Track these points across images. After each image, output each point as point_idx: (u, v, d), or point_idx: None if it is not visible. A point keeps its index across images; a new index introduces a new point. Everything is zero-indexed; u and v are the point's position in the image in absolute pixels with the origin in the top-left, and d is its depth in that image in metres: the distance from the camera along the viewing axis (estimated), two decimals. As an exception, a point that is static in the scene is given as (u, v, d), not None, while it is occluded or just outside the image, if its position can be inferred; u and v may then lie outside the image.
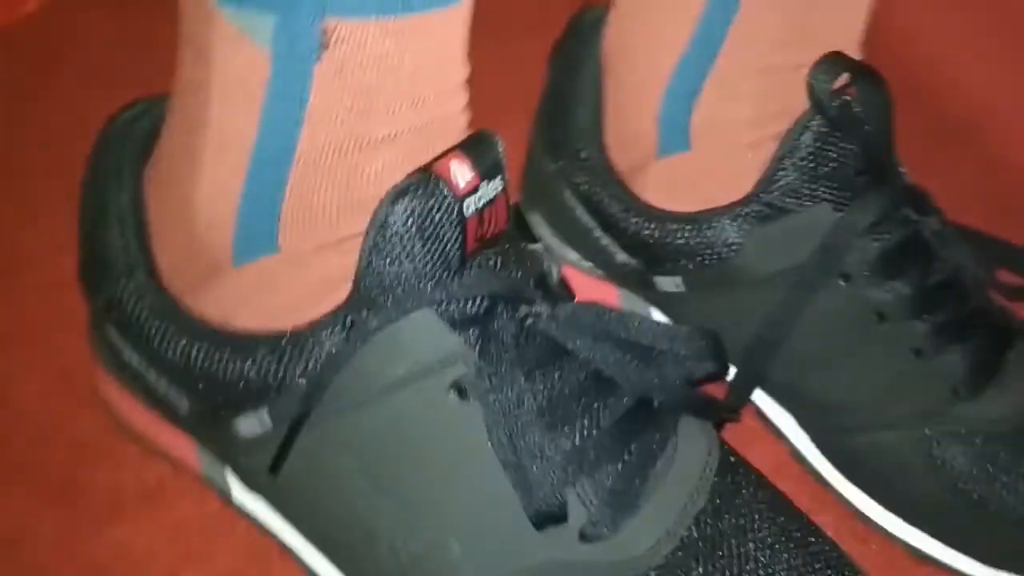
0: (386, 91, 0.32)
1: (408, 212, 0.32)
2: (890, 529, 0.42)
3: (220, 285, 0.37)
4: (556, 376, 0.34)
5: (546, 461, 0.33)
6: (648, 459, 0.34)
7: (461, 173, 0.33)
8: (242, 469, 0.38)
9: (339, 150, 0.33)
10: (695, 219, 0.42)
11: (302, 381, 0.34)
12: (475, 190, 0.33)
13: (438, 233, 0.33)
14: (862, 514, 0.43)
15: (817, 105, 0.38)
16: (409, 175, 0.33)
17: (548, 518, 0.33)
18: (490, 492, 0.33)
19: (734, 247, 0.41)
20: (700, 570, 0.33)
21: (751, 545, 0.34)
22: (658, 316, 0.46)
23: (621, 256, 0.45)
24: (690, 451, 0.35)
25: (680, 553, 0.33)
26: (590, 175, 0.45)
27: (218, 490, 0.41)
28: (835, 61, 0.37)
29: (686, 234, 0.42)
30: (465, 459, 0.34)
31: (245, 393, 0.36)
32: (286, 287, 0.36)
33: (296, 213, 0.34)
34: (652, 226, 0.43)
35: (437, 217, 0.33)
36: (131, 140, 0.40)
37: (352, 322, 0.34)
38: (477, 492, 0.34)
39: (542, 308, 0.34)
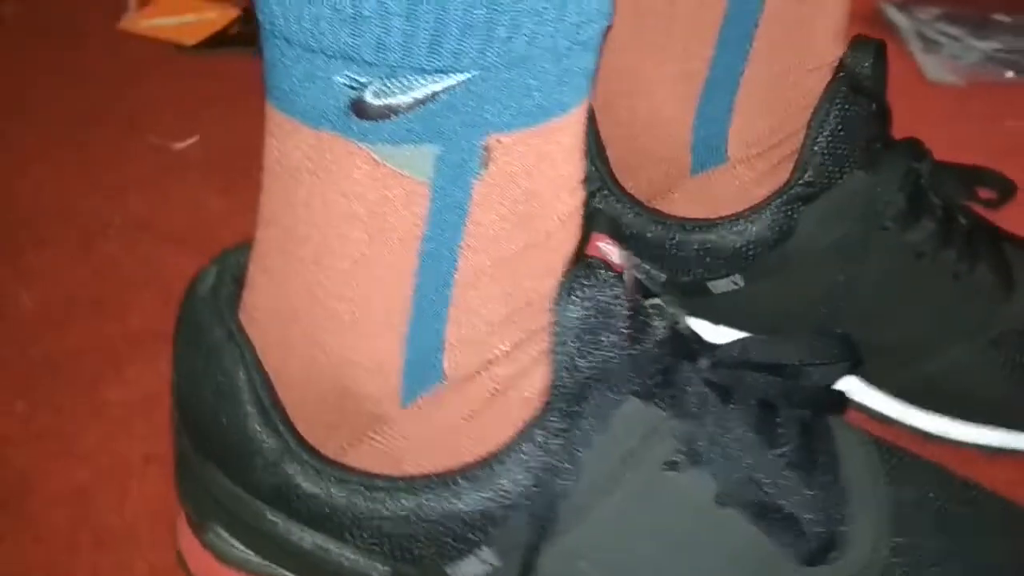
0: (540, 193, 0.32)
1: (587, 303, 0.33)
2: (965, 438, 0.48)
3: (388, 432, 0.35)
4: (744, 418, 0.35)
5: (802, 498, 0.34)
6: (831, 466, 0.36)
7: (611, 252, 0.34)
8: None
9: (499, 262, 0.33)
10: (746, 217, 0.46)
11: (522, 504, 0.33)
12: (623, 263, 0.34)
13: (616, 316, 0.33)
14: (941, 437, 0.49)
15: (852, 80, 0.44)
16: (571, 269, 0.33)
17: (823, 554, 0.34)
18: (729, 552, 0.34)
19: (787, 231, 0.46)
20: (913, 548, 0.36)
21: (944, 523, 0.37)
22: (696, 323, 0.49)
23: (658, 276, 0.48)
24: (848, 446, 0.37)
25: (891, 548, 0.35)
26: (617, 208, 0.48)
27: None
28: (865, 41, 0.43)
29: (741, 232, 0.46)
30: (699, 527, 0.34)
31: (458, 538, 0.34)
32: (458, 413, 0.34)
33: (461, 332, 0.33)
34: (700, 236, 0.47)
35: (611, 301, 0.33)
36: (225, 308, 0.36)
37: (559, 430, 0.33)
38: (717, 554, 0.34)
39: (701, 359, 0.36)
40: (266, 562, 0.38)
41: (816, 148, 0.45)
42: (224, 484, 0.36)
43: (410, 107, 0.29)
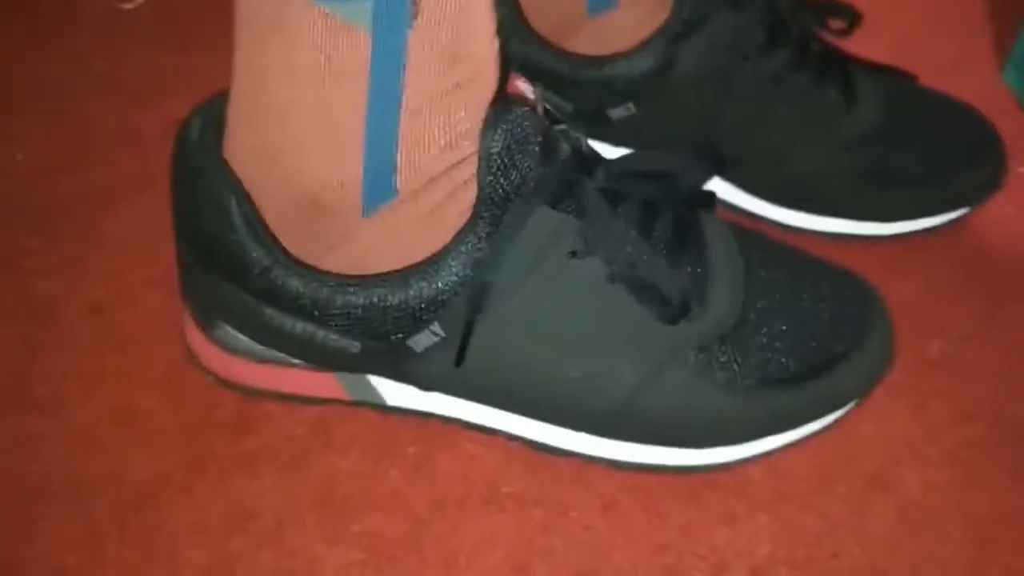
0: (462, 41, 0.40)
1: (507, 133, 0.42)
2: (819, 228, 0.60)
3: (353, 240, 0.44)
4: (629, 215, 0.45)
5: (666, 275, 0.44)
6: (700, 249, 0.47)
7: (527, 89, 0.43)
8: (418, 375, 0.46)
9: (435, 97, 0.41)
10: (635, 53, 0.55)
11: (459, 290, 0.43)
12: (537, 99, 0.43)
13: (530, 143, 0.42)
14: (799, 229, 0.60)
15: None
16: (494, 103, 0.42)
17: (681, 316, 0.45)
18: (615, 316, 0.45)
19: (669, 64, 0.55)
20: (764, 306, 0.47)
21: (789, 284, 0.48)
22: (598, 145, 0.59)
23: (565, 107, 0.58)
24: (713, 234, 0.48)
25: (748, 304, 0.47)
26: (528, 49, 0.56)
27: (372, 405, 0.49)
28: None
29: (631, 65, 0.55)
30: (594, 300, 0.44)
31: (413, 319, 0.44)
32: (408, 222, 0.43)
33: (408, 157, 0.42)
34: (601, 70, 0.56)
35: (528, 131, 0.42)
36: (212, 149, 0.45)
37: (486, 233, 0.43)
38: (609, 319, 0.45)
39: (598, 171, 0.45)
40: (264, 347, 0.48)
41: (688, -8, 0.54)
42: (226, 288, 0.46)
43: None
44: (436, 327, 0.44)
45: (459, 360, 0.44)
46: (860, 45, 0.61)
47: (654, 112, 0.57)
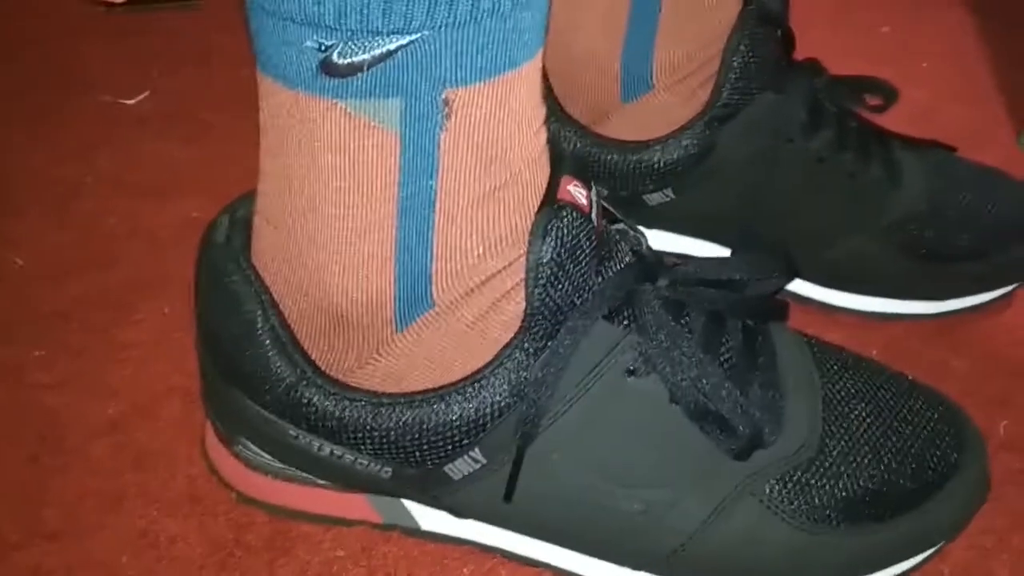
0: (503, 139, 0.37)
1: (557, 240, 0.38)
2: (865, 308, 0.57)
3: (387, 355, 0.40)
4: (693, 327, 0.41)
5: (735, 404, 0.39)
6: (772, 366, 0.42)
7: (579, 193, 0.39)
8: (454, 503, 0.42)
9: (472, 202, 0.37)
10: (675, 137, 0.53)
11: (504, 412, 0.39)
12: (591, 203, 0.40)
13: (583, 249, 0.39)
14: (844, 309, 0.57)
15: (760, 8, 0.51)
16: (542, 208, 0.38)
17: (750, 451, 0.40)
18: (679, 443, 0.40)
19: (709, 147, 0.53)
20: (844, 430, 0.42)
21: (872, 406, 0.43)
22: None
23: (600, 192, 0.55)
24: (785, 348, 0.43)
25: (825, 431, 0.42)
26: (562, 133, 0.54)
27: (403, 529, 0.45)
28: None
29: (670, 151, 0.53)
30: (654, 424, 0.40)
31: (451, 443, 0.40)
32: (446, 336, 0.39)
33: (445, 265, 0.38)
34: (637, 155, 0.53)
35: (582, 237, 0.38)
36: (240, 254, 0.42)
37: (535, 348, 0.38)
38: (671, 446, 0.40)
39: (660, 279, 0.41)
40: (288, 467, 0.44)
41: (730, 73, 0.52)
42: (249, 405, 0.42)
43: (371, 64, 0.34)
44: (476, 452, 0.40)
45: (509, 494, 0.40)
46: (879, 118, 0.60)
47: (694, 197, 0.54)
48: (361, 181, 0.37)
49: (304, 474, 0.44)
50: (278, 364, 0.41)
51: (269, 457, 0.44)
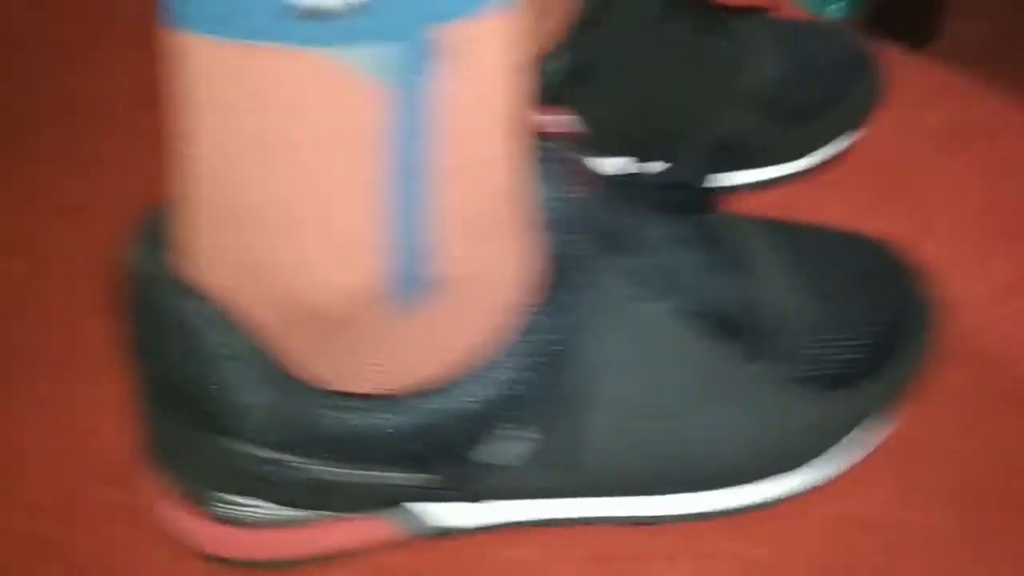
0: (494, 84, 0.32)
1: (558, 179, 0.36)
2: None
3: (387, 348, 0.35)
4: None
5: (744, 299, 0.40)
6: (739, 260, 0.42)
7: (555, 120, 0.37)
8: (502, 488, 0.39)
9: (467, 159, 0.33)
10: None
11: (543, 376, 0.36)
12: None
13: (573, 182, 0.36)
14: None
15: None
16: (536, 147, 0.35)
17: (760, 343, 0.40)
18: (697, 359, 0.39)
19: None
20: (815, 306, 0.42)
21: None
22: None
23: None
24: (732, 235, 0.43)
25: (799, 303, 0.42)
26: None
27: (437, 534, 0.41)
28: None
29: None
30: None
31: (489, 426, 0.36)
32: (451, 314, 0.35)
33: (443, 233, 0.33)
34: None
35: (571, 171, 0.36)
36: (173, 278, 0.35)
37: (558, 303, 0.36)
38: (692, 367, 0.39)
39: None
40: (286, 508, 0.38)
41: None
42: (227, 445, 0.36)
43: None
44: (527, 431, 0.37)
45: (571, 462, 0.38)
46: None
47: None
48: (341, 147, 0.31)
49: (305, 513, 0.39)
50: (255, 388, 0.35)
51: (259, 505, 0.38)
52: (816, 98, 0.57)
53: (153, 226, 0.36)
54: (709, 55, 0.54)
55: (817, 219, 0.48)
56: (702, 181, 0.44)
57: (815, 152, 0.58)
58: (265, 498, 0.38)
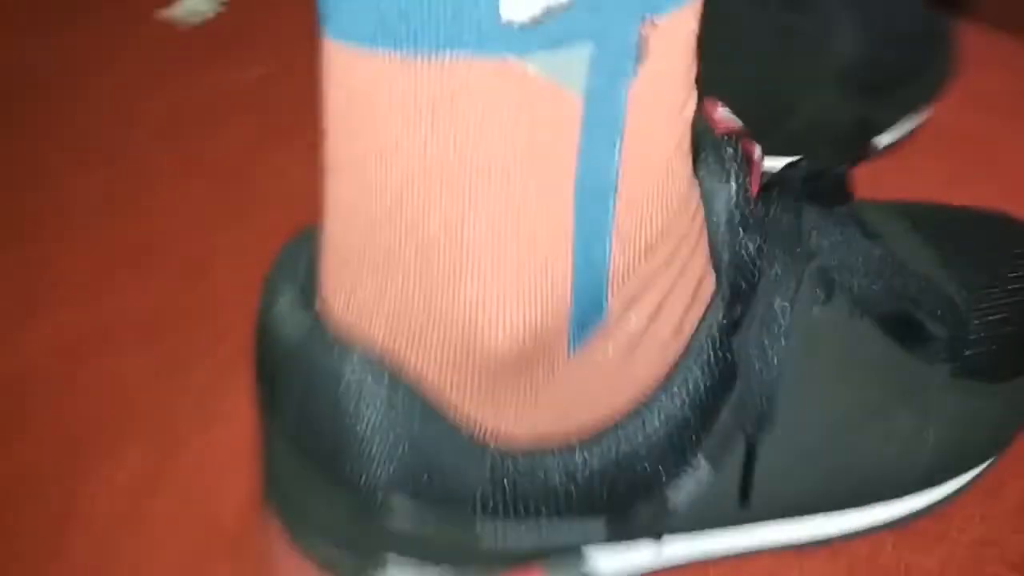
0: (680, 84, 0.29)
1: (736, 183, 0.32)
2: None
3: (551, 393, 0.32)
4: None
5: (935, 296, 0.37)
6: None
7: (727, 114, 0.34)
8: (676, 524, 0.36)
9: (655, 173, 0.29)
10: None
11: (722, 401, 0.33)
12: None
13: (744, 182, 0.33)
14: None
15: None
16: (707, 146, 0.32)
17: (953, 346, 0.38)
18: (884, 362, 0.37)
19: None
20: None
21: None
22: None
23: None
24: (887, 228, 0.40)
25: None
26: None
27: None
28: None
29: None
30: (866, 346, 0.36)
31: (667, 461, 0.33)
32: (621, 345, 0.31)
33: (622, 255, 0.30)
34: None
35: (742, 168, 0.33)
36: (330, 334, 0.31)
37: (734, 319, 0.33)
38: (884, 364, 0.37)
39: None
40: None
41: None
42: (418, 511, 0.32)
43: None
44: (700, 469, 0.34)
45: (744, 494, 0.35)
46: None
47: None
48: (531, 167, 0.27)
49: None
50: (447, 450, 0.31)
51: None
52: (896, 71, 0.55)
53: (291, 273, 0.32)
54: (798, 34, 0.52)
55: (908, 195, 0.45)
56: (841, 169, 0.41)
57: (896, 127, 0.56)
58: (449, 561, 0.34)
